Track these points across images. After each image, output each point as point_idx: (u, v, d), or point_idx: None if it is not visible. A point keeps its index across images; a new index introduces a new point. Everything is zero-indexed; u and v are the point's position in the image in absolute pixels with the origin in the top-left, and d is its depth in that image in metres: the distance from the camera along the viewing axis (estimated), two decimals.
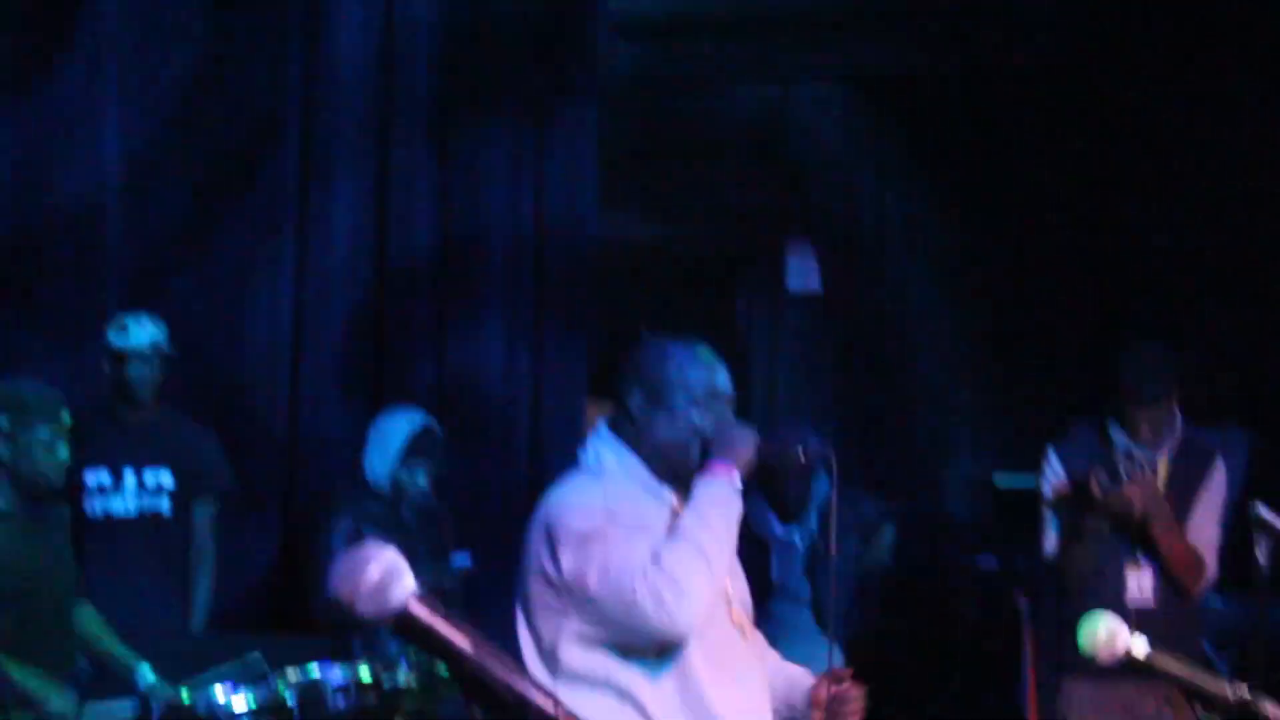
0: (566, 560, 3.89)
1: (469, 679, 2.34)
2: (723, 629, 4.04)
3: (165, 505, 6.93)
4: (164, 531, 6.91)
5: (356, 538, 6.71)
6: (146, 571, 6.85)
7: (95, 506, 6.83)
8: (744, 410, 8.87)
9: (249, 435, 7.61)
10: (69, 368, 7.19)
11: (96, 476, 6.85)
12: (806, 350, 9.85)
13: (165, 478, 6.93)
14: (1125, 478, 5.71)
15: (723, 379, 4.14)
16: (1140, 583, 5.83)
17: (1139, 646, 3.50)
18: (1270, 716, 3.38)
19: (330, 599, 2.43)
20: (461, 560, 6.95)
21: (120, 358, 6.88)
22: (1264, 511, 4.89)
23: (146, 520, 6.88)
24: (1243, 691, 3.39)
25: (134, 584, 6.72)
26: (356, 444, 6.99)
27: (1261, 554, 4.83)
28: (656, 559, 3.84)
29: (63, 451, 5.63)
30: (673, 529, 3.94)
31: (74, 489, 6.68)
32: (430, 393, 7.68)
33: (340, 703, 5.14)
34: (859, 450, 9.14)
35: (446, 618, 2.39)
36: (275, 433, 7.79)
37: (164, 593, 6.88)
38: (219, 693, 5.16)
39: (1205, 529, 5.90)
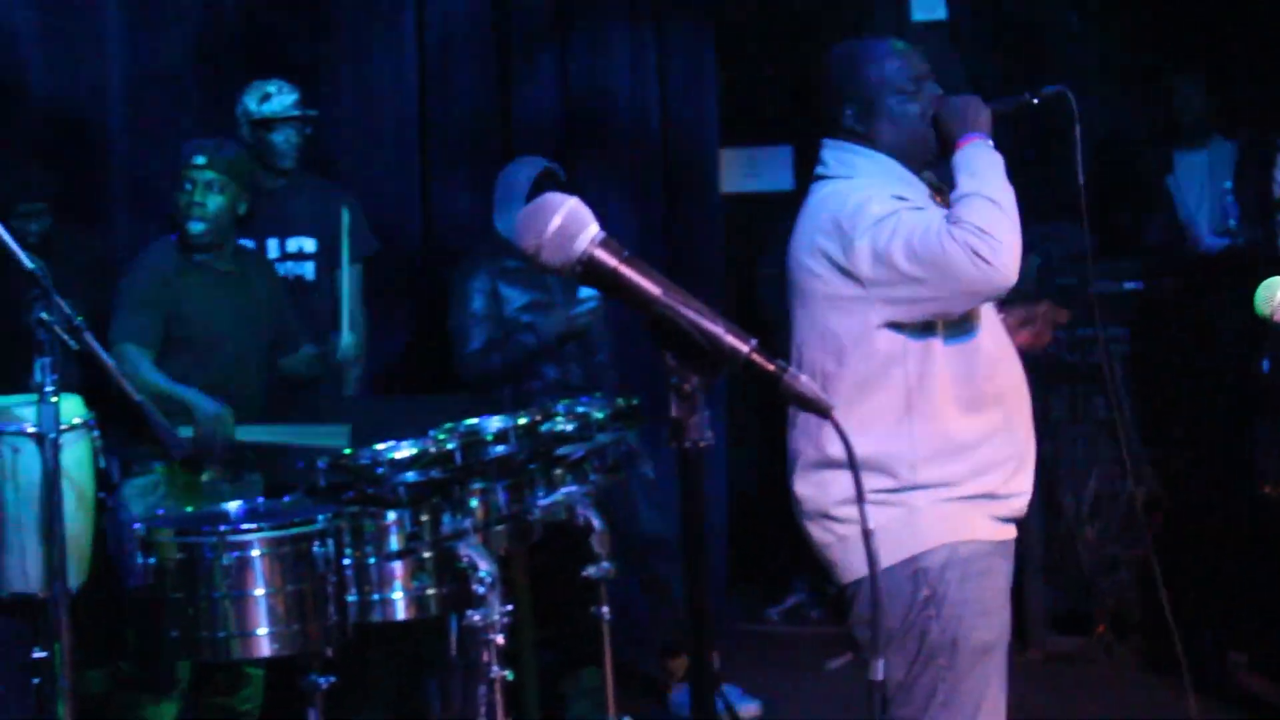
0: (865, 247, 3.89)
1: (658, 323, 2.31)
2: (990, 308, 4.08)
3: (309, 270, 6.97)
4: (310, 295, 6.95)
5: (493, 294, 6.74)
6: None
7: None
8: None
9: (382, 206, 7.63)
10: None
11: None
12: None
13: (308, 244, 6.96)
14: None
15: (920, 59, 4.10)
16: None
17: None
18: None
19: (517, 249, 2.41)
20: (589, 291, 6.89)
21: (262, 124, 6.88)
22: None
23: (291, 284, 6.90)
24: None
25: None
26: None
27: None
28: (952, 218, 3.83)
29: (200, 197, 5.80)
30: (954, 196, 3.92)
31: None
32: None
33: (501, 448, 5.14)
34: None
35: (632, 262, 2.37)
36: (407, 202, 7.81)
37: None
38: (379, 445, 5.17)
39: None
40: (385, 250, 7.31)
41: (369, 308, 7.12)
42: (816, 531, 4.09)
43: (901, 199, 3.93)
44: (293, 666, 5.08)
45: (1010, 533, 4.09)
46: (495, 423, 5.27)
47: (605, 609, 5.52)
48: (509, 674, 4.95)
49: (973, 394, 3.97)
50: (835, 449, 3.99)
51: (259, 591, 4.74)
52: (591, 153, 7.92)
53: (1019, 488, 4.06)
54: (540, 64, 7.94)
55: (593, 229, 2.40)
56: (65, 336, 4.36)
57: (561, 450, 5.43)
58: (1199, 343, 7.83)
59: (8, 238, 4.36)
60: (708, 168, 7.98)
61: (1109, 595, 7.55)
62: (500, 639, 4.89)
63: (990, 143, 3.96)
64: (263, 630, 4.75)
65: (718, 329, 2.33)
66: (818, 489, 4.06)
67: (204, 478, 5.84)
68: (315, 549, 4.80)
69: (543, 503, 5.38)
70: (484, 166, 7.47)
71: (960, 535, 3.97)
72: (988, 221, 3.78)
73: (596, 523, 5.45)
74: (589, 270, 2.39)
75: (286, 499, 5.21)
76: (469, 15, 7.93)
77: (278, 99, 6.85)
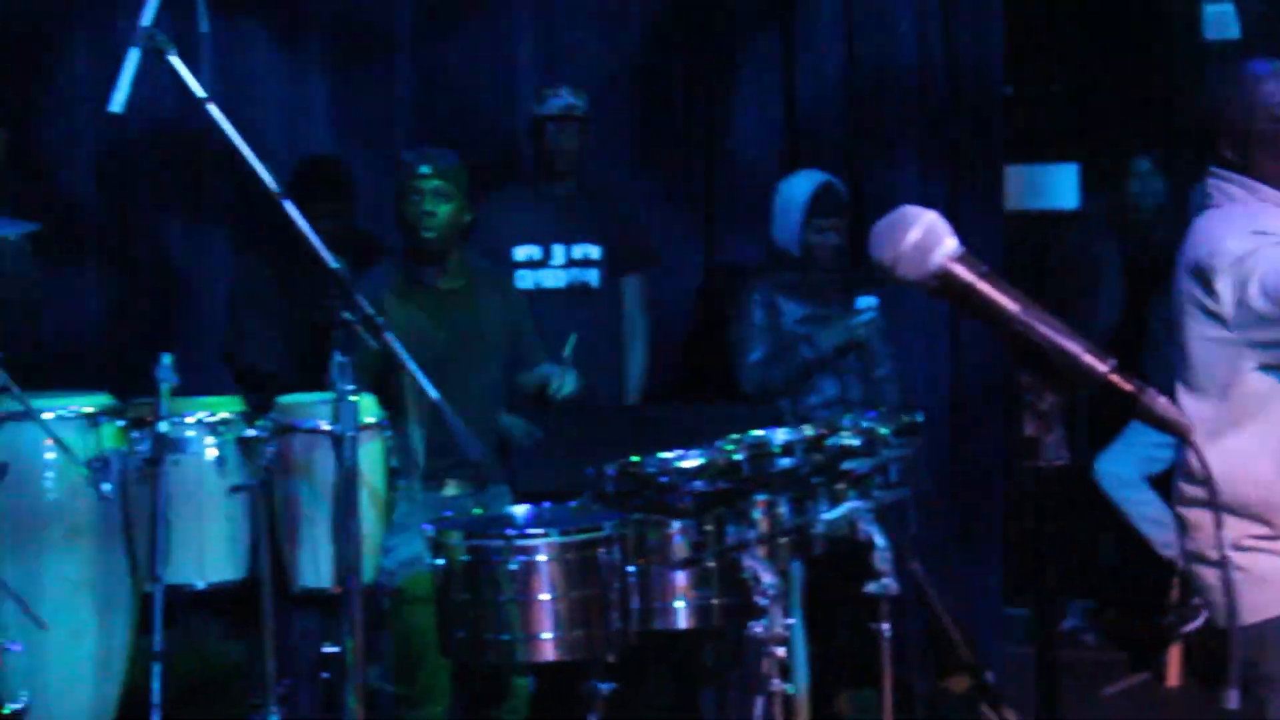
0: (1224, 287, 3.80)
1: (1015, 341, 2.27)
2: None
3: (594, 277, 7.00)
4: (593, 303, 6.99)
5: (772, 306, 6.73)
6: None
7: (526, 279, 6.90)
8: None
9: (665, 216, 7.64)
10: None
11: (526, 251, 6.92)
12: None
13: (593, 251, 6.99)
14: None
15: None
16: None
17: None
18: None
19: (873, 261, 2.39)
20: (868, 302, 6.80)
21: (540, 127, 6.92)
22: None
23: (576, 291, 6.95)
24: None
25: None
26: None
27: None
28: None
29: (431, 206, 5.81)
30: None
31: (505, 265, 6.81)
32: None
33: (787, 460, 5.12)
34: None
35: (990, 278, 2.33)
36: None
37: (596, 364, 6.94)
38: (667, 454, 5.16)
39: None
40: (667, 261, 7.31)
41: (649, 316, 7.14)
42: (1201, 573, 4.02)
43: (1262, 234, 3.80)
44: (574, 672, 5.12)
45: None
46: (782, 435, 5.26)
47: (886, 626, 5.45)
48: (789, 687, 4.92)
49: None
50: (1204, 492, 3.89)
51: (544, 596, 4.73)
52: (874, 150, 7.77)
53: None
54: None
55: (950, 243, 2.37)
56: (365, 335, 4.39)
57: (847, 465, 5.39)
58: None
59: (313, 235, 4.41)
60: (992, 181, 7.82)
61: None
62: (781, 651, 4.86)
63: None
64: (547, 635, 4.74)
65: (1076, 348, 2.29)
66: (1196, 531, 4.00)
67: (447, 492, 5.81)
68: (601, 555, 4.79)
69: (826, 517, 5.34)
70: (768, 171, 7.41)
71: None
72: None
73: (879, 539, 5.39)
74: (945, 284, 2.35)
75: (573, 504, 5.22)
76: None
77: (551, 100, 6.87)
